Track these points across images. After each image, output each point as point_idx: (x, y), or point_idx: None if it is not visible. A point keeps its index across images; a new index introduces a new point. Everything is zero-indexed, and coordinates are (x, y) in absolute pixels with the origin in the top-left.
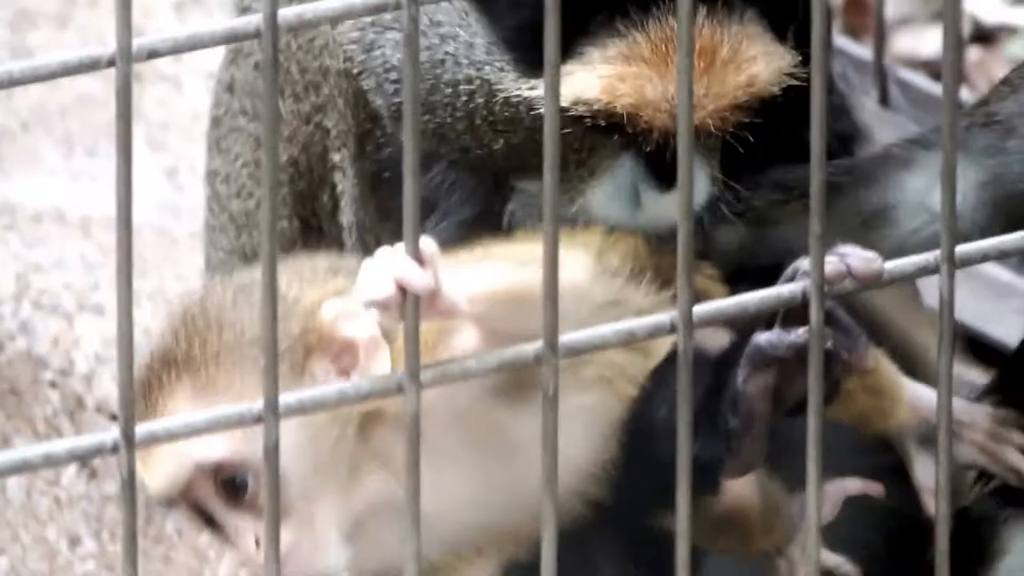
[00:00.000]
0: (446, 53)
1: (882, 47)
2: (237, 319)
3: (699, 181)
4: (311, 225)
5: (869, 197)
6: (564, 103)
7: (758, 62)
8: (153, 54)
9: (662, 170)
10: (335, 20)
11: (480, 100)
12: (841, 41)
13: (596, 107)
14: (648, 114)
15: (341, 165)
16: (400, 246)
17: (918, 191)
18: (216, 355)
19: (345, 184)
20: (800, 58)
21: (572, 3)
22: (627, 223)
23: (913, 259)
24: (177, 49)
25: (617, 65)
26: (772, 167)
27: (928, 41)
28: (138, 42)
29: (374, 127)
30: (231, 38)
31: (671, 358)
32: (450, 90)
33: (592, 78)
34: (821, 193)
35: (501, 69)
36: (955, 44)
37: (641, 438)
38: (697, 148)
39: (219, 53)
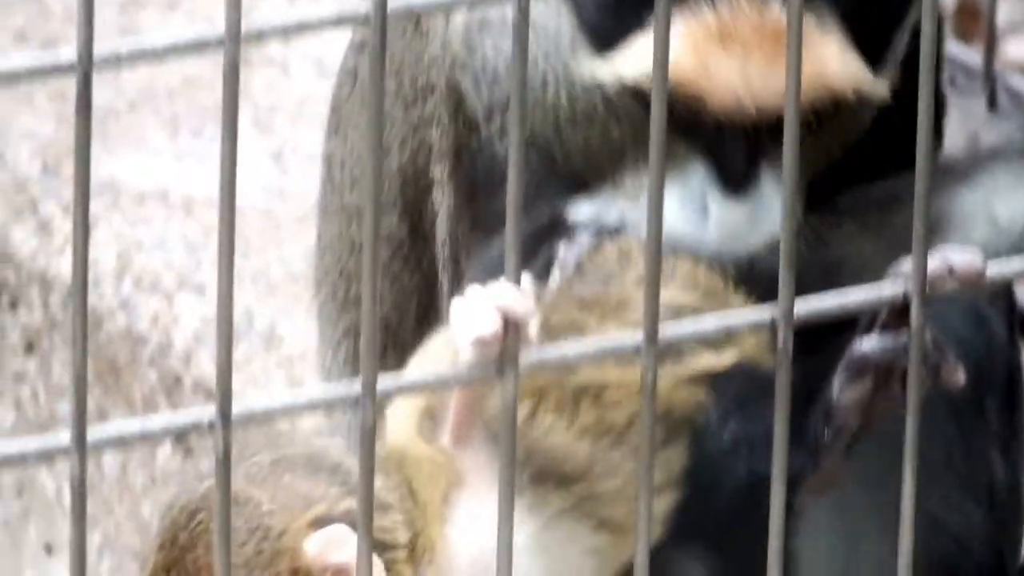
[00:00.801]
0: (535, 49)
1: (992, 53)
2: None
3: (774, 203)
4: (419, 232)
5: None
6: (629, 81)
7: (831, 59)
8: (261, 37)
9: (734, 174)
10: (443, 8)
11: (563, 92)
12: (951, 46)
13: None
14: (715, 98)
15: (440, 180)
16: (496, 283)
17: (978, 202)
18: None
19: (442, 199)
20: (887, 86)
21: None
22: (694, 241)
23: (1016, 262)
24: (285, 33)
25: (684, 42)
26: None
27: None
28: (247, 25)
29: (471, 137)
30: (340, 23)
31: (728, 371)
32: (538, 87)
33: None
34: (926, 192)
35: (579, 55)
36: None
37: (709, 460)
38: (774, 165)
39: (327, 39)
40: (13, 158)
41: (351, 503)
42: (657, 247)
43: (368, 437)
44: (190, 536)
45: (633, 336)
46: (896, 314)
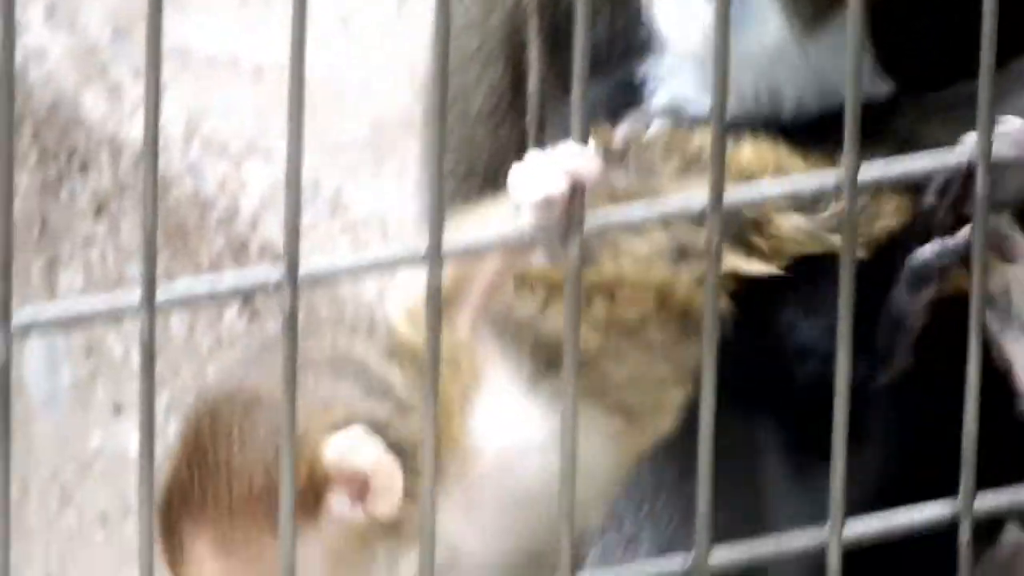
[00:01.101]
0: None
1: None
2: (248, 463)
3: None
4: (520, 89)
5: (1004, 108)
6: None
7: None
8: None
9: None
10: None
11: None
12: None
13: None
14: None
15: (528, 39)
16: (560, 145)
17: None
18: (231, 512)
19: (531, 58)
20: None
21: None
22: (685, 48)
23: None
24: None
25: None
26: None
27: None
28: None
29: None
30: None
31: (798, 267)
32: None
33: None
34: (990, 59)
35: None
36: None
37: (777, 359)
38: None
39: None
40: (84, 22)
41: (373, 406)
42: (722, 108)
43: (434, 299)
44: (212, 433)
45: (700, 199)
46: (962, 183)
